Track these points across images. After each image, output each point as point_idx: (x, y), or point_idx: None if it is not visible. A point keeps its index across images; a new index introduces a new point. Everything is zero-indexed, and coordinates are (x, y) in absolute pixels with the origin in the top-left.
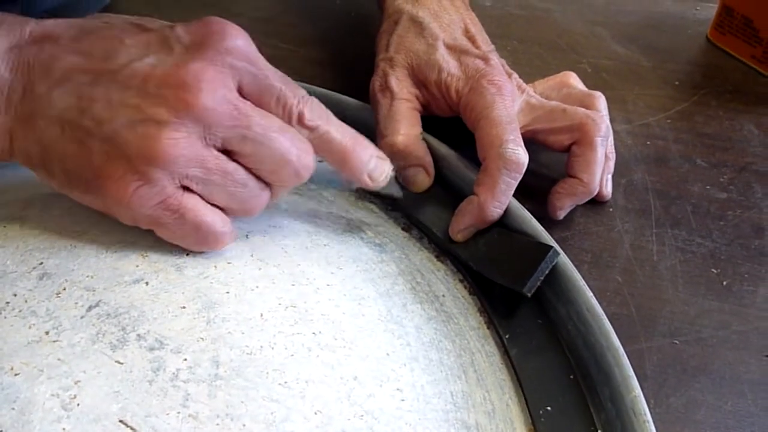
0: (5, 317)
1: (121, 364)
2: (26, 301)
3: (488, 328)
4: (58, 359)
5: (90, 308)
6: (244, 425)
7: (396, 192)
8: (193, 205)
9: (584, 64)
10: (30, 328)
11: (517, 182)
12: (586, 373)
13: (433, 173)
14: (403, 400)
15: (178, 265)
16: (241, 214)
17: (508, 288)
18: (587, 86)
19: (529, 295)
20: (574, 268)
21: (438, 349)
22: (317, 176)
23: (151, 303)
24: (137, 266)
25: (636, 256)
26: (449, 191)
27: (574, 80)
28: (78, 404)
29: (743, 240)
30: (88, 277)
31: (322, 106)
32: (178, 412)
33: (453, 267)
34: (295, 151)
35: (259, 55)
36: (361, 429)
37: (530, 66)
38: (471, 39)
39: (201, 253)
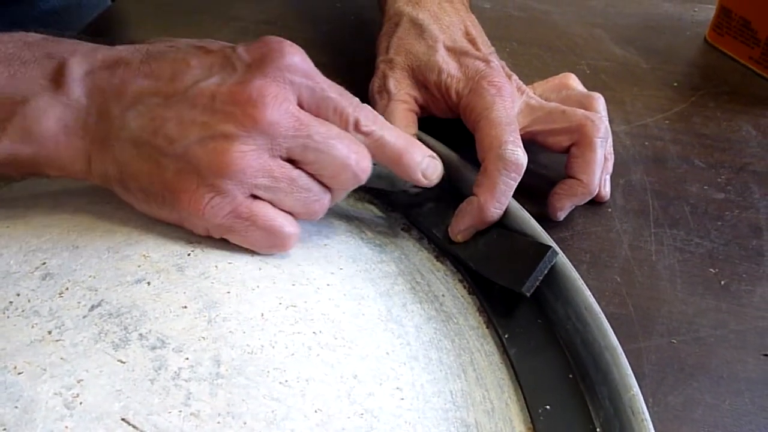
0: (8, 317)
1: (124, 363)
2: (29, 301)
3: (487, 327)
4: (61, 358)
5: (92, 308)
6: (245, 423)
7: (404, 185)
8: (263, 211)
9: (583, 66)
10: (33, 327)
11: (517, 183)
12: (584, 372)
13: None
14: (402, 398)
15: (179, 265)
16: (306, 217)
17: (507, 288)
18: (586, 87)
19: (528, 294)
20: (573, 268)
21: (437, 348)
22: None
23: (152, 303)
24: (139, 266)
25: (634, 256)
26: (449, 192)
27: (574, 82)
28: (80, 403)
29: (741, 240)
30: (90, 277)
31: (375, 113)
32: (180, 411)
33: (452, 267)
34: (353, 156)
35: (315, 69)
36: (360, 427)
37: (529, 67)
38: (471, 41)
39: (202, 253)
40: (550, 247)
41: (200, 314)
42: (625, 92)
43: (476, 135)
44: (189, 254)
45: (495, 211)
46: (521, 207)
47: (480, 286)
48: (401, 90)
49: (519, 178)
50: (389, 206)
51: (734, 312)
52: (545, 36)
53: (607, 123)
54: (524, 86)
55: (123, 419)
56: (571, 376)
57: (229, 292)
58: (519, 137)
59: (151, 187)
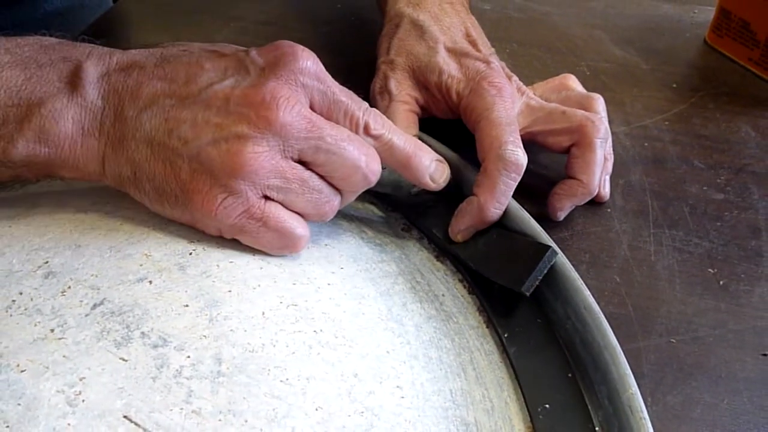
0: (11, 315)
1: (126, 361)
2: (32, 299)
3: (487, 327)
4: (63, 356)
5: (94, 306)
6: (246, 421)
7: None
8: (275, 212)
9: (583, 67)
10: (35, 325)
11: (517, 183)
12: (583, 371)
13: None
14: (402, 397)
15: (181, 264)
16: (316, 218)
17: (507, 287)
18: (586, 88)
19: (527, 294)
20: (573, 267)
21: (437, 347)
22: None
23: (154, 301)
24: (141, 265)
25: (634, 256)
26: (449, 192)
27: (573, 82)
28: (83, 400)
29: (740, 240)
30: (92, 275)
31: (384, 117)
32: (182, 408)
33: (452, 267)
34: (363, 158)
35: (327, 73)
36: (361, 425)
37: (529, 68)
38: (471, 42)
39: (203, 252)
40: (550, 246)
41: (202, 313)
42: (624, 93)
43: (476, 135)
44: (190, 253)
45: (495, 211)
46: (521, 207)
47: (480, 285)
48: (402, 91)
49: (519, 179)
50: (389, 206)
51: (733, 312)
52: (545, 37)
53: (606, 124)
54: (524, 87)
55: (125, 417)
56: (570, 375)
57: (230, 291)
58: (519, 138)
59: (165, 188)
